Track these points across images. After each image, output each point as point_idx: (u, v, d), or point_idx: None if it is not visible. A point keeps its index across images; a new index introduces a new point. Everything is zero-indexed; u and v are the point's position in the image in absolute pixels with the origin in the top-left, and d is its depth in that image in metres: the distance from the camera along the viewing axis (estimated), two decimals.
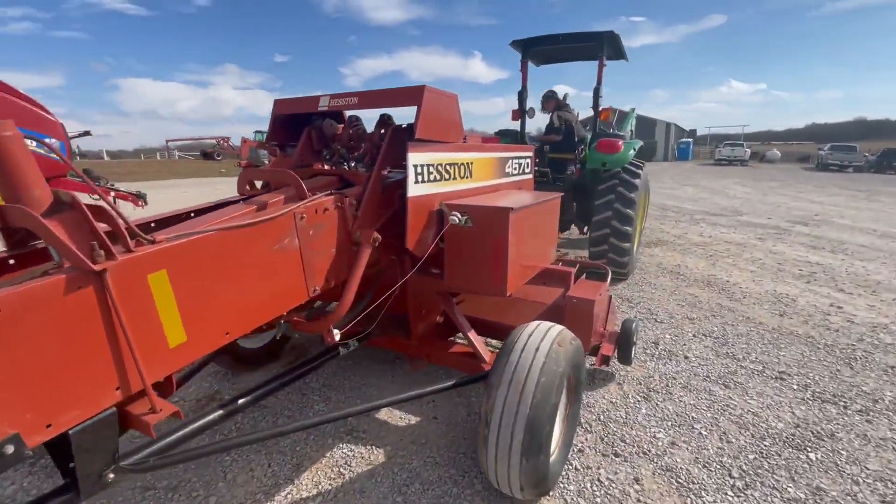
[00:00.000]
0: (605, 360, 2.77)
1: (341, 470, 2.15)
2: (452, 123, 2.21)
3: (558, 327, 1.98)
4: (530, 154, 3.24)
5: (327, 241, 1.86)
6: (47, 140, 8.30)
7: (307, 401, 2.74)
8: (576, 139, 5.62)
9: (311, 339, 3.50)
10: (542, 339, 1.86)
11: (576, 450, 2.31)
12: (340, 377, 3.00)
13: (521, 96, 5.60)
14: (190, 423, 1.67)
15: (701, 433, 2.45)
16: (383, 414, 2.59)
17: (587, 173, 5.16)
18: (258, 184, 2.21)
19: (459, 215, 2.02)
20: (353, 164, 2.38)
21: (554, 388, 1.73)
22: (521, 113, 5.66)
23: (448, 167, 2.20)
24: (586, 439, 2.40)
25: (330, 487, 2.04)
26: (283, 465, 2.18)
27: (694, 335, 3.73)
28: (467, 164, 2.38)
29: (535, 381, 1.71)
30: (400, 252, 2.21)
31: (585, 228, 5.49)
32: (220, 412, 1.79)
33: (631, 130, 7.43)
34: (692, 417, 2.59)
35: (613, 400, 2.76)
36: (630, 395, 2.81)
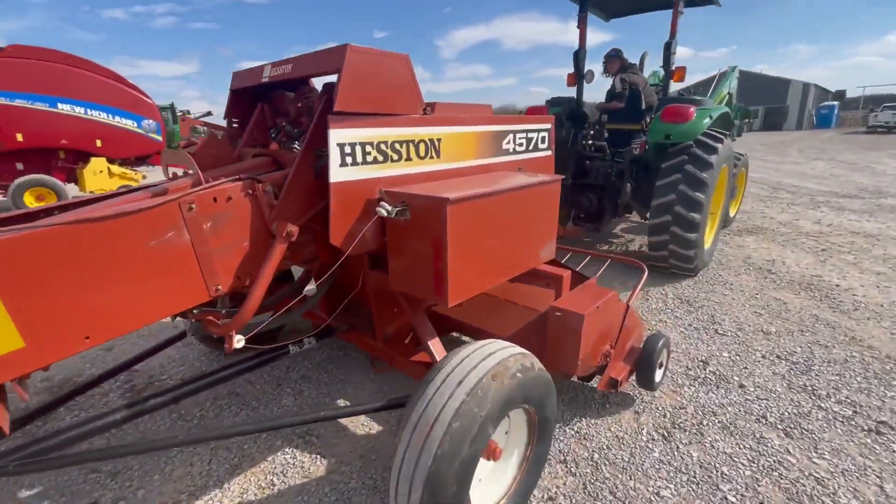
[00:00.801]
0: (613, 383, 2.22)
1: (274, 479, 1.98)
2: (402, 91, 1.81)
3: (506, 352, 1.55)
4: (547, 126, 2.67)
5: (233, 235, 1.63)
6: (145, 122, 9.27)
7: (281, 392, 2.63)
8: (643, 107, 4.73)
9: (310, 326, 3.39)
10: (474, 368, 1.45)
11: (546, 496, 1.87)
12: (322, 370, 2.85)
13: (578, 57, 4.82)
14: (79, 425, 1.59)
15: (726, 499, 1.85)
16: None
17: (651, 147, 4.31)
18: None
19: (389, 206, 1.65)
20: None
21: (469, 437, 1.33)
22: (577, 77, 4.90)
23: (397, 146, 1.82)
24: (565, 483, 1.94)
25: (254, 498, 1.89)
26: (222, 464, 2.08)
27: (763, 356, 2.92)
28: (431, 140, 1.96)
29: (444, 426, 1.32)
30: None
31: (648, 214, 4.67)
32: (124, 413, 1.70)
33: (730, 94, 6.16)
34: (721, 473, 1.97)
35: (620, 434, 2.23)
36: (645, 431, 2.25)
